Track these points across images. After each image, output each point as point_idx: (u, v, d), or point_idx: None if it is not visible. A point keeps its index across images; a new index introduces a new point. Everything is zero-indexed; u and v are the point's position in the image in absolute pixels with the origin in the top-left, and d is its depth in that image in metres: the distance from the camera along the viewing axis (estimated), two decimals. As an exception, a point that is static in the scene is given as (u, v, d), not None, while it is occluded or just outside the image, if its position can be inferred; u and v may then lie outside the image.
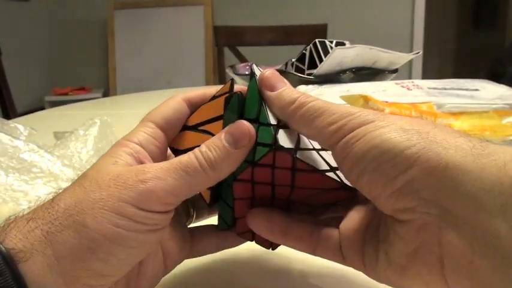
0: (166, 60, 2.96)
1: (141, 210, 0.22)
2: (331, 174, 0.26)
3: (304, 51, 0.72)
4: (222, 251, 0.30)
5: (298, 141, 0.25)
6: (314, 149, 0.26)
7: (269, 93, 0.25)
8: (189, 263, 0.30)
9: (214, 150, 0.24)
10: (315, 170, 0.25)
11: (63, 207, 0.22)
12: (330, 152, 0.27)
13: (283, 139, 0.24)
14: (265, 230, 0.26)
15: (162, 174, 0.23)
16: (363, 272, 0.25)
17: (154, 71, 2.96)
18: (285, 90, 0.25)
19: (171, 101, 0.28)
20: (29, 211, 0.23)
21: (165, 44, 2.96)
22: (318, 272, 0.32)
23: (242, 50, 1.75)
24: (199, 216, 0.31)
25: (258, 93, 0.26)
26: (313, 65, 0.69)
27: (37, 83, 3.02)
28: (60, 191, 0.24)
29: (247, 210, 0.27)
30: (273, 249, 0.29)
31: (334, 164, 0.26)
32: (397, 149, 0.20)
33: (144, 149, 0.26)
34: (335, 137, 0.22)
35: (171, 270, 0.28)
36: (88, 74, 3.15)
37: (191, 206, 0.30)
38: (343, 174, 0.23)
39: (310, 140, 0.27)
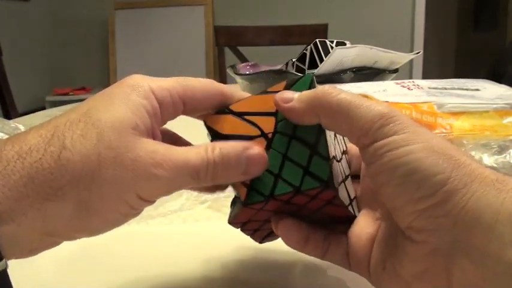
0: (167, 60, 2.96)
1: (141, 200, 0.22)
2: (350, 208, 0.27)
3: (304, 51, 0.72)
4: (223, 253, 0.30)
5: (337, 175, 0.25)
6: (343, 180, 0.27)
7: (284, 105, 0.25)
8: (190, 263, 0.30)
9: (223, 165, 0.23)
10: (343, 205, 0.26)
11: (70, 177, 0.21)
12: (349, 183, 0.28)
13: (334, 178, 0.24)
14: (292, 238, 0.26)
15: (173, 175, 0.22)
16: (367, 279, 0.25)
17: (155, 70, 2.96)
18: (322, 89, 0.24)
19: (207, 82, 0.27)
20: (25, 161, 0.21)
21: (166, 44, 2.96)
22: (321, 269, 0.32)
23: (243, 50, 1.76)
24: None
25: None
26: (313, 64, 0.69)
27: (38, 83, 3.02)
28: (68, 138, 0.21)
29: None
30: (260, 243, 0.30)
31: (352, 195, 0.28)
32: (427, 173, 0.20)
33: (161, 110, 0.24)
34: (368, 137, 0.22)
35: None
36: (89, 74, 3.15)
37: None
38: (369, 175, 0.23)
39: (341, 168, 0.27)
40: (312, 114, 0.24)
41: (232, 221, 0.28)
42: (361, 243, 0.25)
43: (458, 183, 0.20)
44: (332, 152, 0.25)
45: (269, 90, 0.27)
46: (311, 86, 0.26)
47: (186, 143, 0.29)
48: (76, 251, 0.25)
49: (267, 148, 0.26)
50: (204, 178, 0.23)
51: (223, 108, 0.27)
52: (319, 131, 0.25)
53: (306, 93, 0.24)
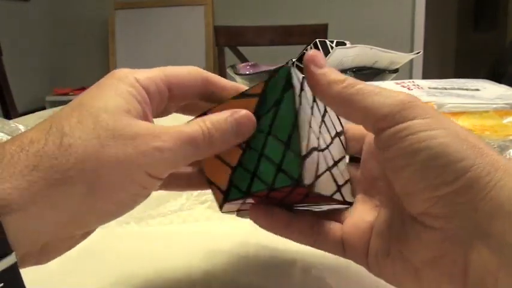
0: (167, 60, 2.96)
1: (149, 177, 0.22)
2: (337, 196, 0.27)
3: (304, 51, 0.72)
4: (224, 253, 0.30)
5: (317, 168, 0.25)
6: (328, 169, 0.27)
7: (315, 69, 0.24)
8: (189, 263, 0.30)
9: (217, 131, 0.24)
10: (324, 196, 0.26)
11: (74, 160, 0.21)
12: (341, 169, 0.28)
13: (308, 174, 0.24)
14: (266, 224, 0.26)
15: (174, 145, 0.23)
16: (364, 266, 0.25)
17: (155, 71, 2.96)
18: (332, 70, 0.24)
19: (191, 68, 0.28)
20: (29, 153, 0.21)
21: (166, 44, 2.96)
22: (321, 270, 0.32)
23: (243, 50, 1.76)
24: None
25: (294, 109, 0.25)
26: (313, 65, 0.69)
27: (38, 83, 3.02)
28: (66, 126, 0.22)
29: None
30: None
31: (341, 181, 0.27)
32: (452, 158, 0.20)
33: (149, 98, 0.25)
34: (386, 121, 0.22)
35: None
36: (89, 74, 3.15)
37: None
38: (383, 159, 0.23)
39: (327, 157, 0.27)
40: (332, 100, 0.24)
41: (223, 211, 0.28)
42: (359, 231, 0.25)
43: (482, 171, 0.19)
44: (312, 144, 0.25)
45: (247, 93, 0.27)
46: (289, 80, 0.25)
47: None
48: (76, 250, 0.25)
49: (247, 148, 0.26)
50: (203, 146, 0.24)
51: (204, 111, 0.27)
52: (293, 126, 0.25)
53: (323, 85, 0.24)
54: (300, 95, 0.25)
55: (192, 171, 0.29)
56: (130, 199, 0.23)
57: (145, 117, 0.25)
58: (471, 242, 0.20)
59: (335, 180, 0.27)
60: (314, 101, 0.27)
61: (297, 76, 0.26)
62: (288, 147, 0.25)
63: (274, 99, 0.25)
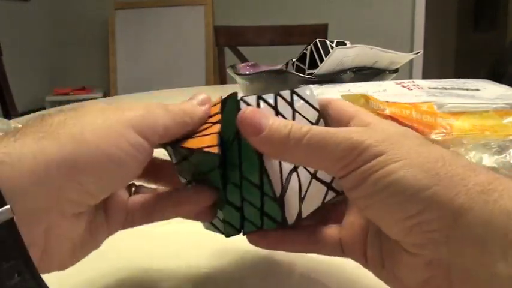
0: (167, 60, 2.96)
1: (138, 135, 0.23)
2: (329, 195, 0.27)
3: (304, 51, 0.72)
4: (224, 253, 0.30)
5: (299, 192, 0.25)
6: (312, 176, 0.27)
7: (256, 139, 0.23)
8: (189, 262, 0.30)
9: (185, 104, 0.26)
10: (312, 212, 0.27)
11: (57, 121, 0.22)
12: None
13: (291, 211, 0.25)
14: (263, 244, 0.27)
15: (150, 108, 0.24)
16: (363, 266, 0.25)
17: (155, 71, 2.96)
18: (272, 128, 0.22)
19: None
20: (13, 131, 0.21)
21: (166, 44, 2.96)
22: (320, 273, 0.32)
23: (243, 49, 1.75)
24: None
25: (255, 154, 0.24)
26: (313, 64, 0.69)
27: (38, 83, 3.02)
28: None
29: None
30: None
31: (329, 177, 0.27)
32: (411, 191, 0.20)
33: None
34: (346, 170, 0.22)
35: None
36: (89, 74, 3.15)
37: None
38: (350, 199, 0.23)
39: (302, 174, 0.26)
40: (282, 155, 0.23)
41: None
42: (355, 234, 0.25)
43: (443, 197, 0.19)
44: (286, 171, 0.25)
45: (211, 113, 0.27)
46: (237, 107, 0.24)
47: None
48: (76, 250, 0.25)
49: (228, 183, 0.25)
50: (178, 112, 0.25)
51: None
52: (261, 171, 0.24)
53: (276, 132, 0.22)
54: None
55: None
56: (125, 157, 0.22)
57: None
58: (450, 265, 0.20)
59: (322, 182, 0.27)
60: (277, 114, 0.26)
61: (247, 104, 0.24)
62: (262, 191, 0.25)
63: (232, 130, 0.24)
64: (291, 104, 0.26)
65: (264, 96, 0.25)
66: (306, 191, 0.26)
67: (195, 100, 0.27)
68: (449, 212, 0.19)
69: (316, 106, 0.27)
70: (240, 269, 0.33)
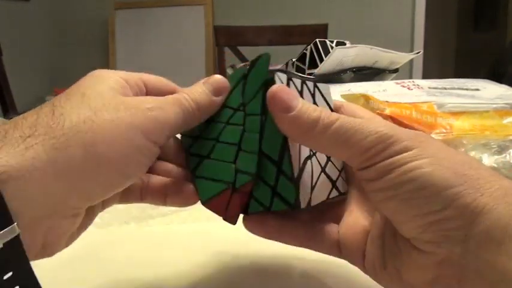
0: (167, 60, 2.96)
1: (147, 141, 0.23)
2: (333, 193, 0.27)
3: (304, 51, 0.72)
4: (224, 254, 0.30)
5: (311, 181, 0.25)
6: (322, 170, 0.26)
7: (284, 116, 0.22)
8: (189, 262, 0.30)
9: (200, 95, 0.25)
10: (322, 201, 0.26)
11: (69, 124, 0.21)
12: (334, 159, 0.28)
13: (303, 196, 0.24)
14: (260, 231, 0.26)
15: (164, 106, 0.24)
16: (360, 268, 0.25)
17: (155, 70, 2.92)
18: (301, 109, 0.22)
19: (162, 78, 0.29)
20: (23, 126, 0.21)
21: (166, 44, 2.96)
22: (319, 273, 0.32)
23: (242, 49, 1.75)
24: None
25: (281, 135, 0.24)
26: (313, 64, 0.69)
27: (38, 82, 3.02)
28: (56, 102, 0.22)
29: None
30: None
31: (335, 175, 0.27)
32: (437, 188, 0.20)
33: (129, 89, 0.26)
34: (370, 161, 0.22)
35: None
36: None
37: None
38: (367, 190, 0.23)
39: (320, 157, 0.26)
40: (309, 140, 0.23)
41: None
42: (355, 235, 0.25)
43: (468, 197, 0.20)
44: (304, 155, 0.25)
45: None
46: (266, 72, 0.25)
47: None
48: (76, 250, 0.25)
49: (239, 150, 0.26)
50: (189, 106, 0.25)
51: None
52: (282, 148, 0.24)
53: (306, 113, 0.22)
54: None
55: (169, 181, 0.28)
56: (131, 166, 0.23)
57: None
58: (463, 265, 0.20)
59: (329, 178, 0.27)
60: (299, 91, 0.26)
61: (280, 80, 0.25)
62: (280, 169, 0.24)
63: (254, 92, 0.25)
64: (312, 95, 0.27)
65: (293, 78, 0.25)
66: (316, 182, 0.26)
67: (211, 87, 0.26)
68: (471, 212, 0.19)
69: (332, 105, 0.28)
70: (240, 269, 0.33)
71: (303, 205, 0.24)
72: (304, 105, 0.22)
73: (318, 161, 0.26)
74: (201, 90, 0.26)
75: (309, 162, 0.25)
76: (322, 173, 0.26)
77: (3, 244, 0.19)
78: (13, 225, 0.19)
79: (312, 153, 0.26)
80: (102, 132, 0.21)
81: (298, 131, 0.22)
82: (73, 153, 0.20)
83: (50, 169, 0.20)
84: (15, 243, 0.19)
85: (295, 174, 0.24)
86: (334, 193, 0.27)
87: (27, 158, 0.20)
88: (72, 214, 0.22)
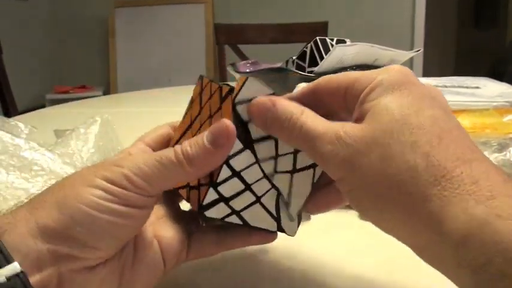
0: (167, 58, 2.96)
1: (112, 185, 0.23)
2: (317, 172, 0.28)
3: (304, 49, 0.71)
4: (223, 254, 0.30)
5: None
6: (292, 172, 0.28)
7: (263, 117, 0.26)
8: (191, 266, 0.30)
9: (194, 146, 0.24)
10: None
11: (47, 190, 0.24)
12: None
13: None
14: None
15: (138, 161, 0.24)
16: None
17: (155, 69, 2.96)
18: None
19: (158, 127, 0.32)
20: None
21: (166, 42, 2.96)
22: (321, 272, 0.32)
23: (243, 48, 1.75)
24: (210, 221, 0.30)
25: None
26: (314, 62, 0.69)
27: (38, 81, 3.02)
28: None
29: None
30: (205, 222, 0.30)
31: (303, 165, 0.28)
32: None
33: None
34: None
35: (169, 269, 0.27)
36: (89, 72, 3.15)
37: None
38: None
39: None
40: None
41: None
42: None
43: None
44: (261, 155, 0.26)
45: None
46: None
47: None
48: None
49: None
50: (180, 161, 0.24)
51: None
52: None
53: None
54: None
55: None
56: (113, 208, 0.23)
57: None
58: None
59: (307, 167, 0.28)
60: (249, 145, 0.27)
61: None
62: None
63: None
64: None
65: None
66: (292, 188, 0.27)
67: (211, 136, 0.25)
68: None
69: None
70: (240, 269, 0.33)
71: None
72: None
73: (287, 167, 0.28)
74: (200, 141, 0.25)
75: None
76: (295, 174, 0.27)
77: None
78: (14, 263, 0.21)
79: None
80: (71, 185, 0.24)
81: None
82: (49, 208, 0.23)
83: (32, 223, 0.22)
84: (21, 280, 0.21)
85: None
86: (319, 170, 0.28)
87: (14, 217, 0.23)
88: (81, 267, 0.23)
